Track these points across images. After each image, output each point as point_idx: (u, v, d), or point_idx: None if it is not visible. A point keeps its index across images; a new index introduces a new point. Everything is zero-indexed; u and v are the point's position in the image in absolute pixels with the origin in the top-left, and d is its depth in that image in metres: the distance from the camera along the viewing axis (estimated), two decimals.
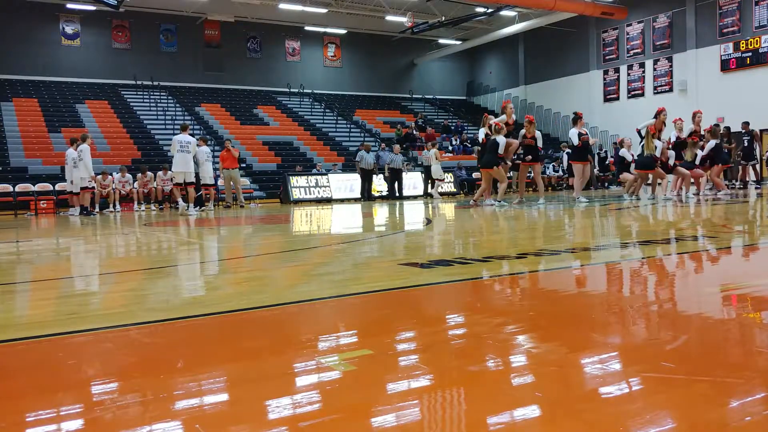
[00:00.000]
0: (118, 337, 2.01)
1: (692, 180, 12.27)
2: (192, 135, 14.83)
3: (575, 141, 11.09)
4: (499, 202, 11.08)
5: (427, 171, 19.12)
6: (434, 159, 18.35)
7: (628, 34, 27.22)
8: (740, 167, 16.83)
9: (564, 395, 1.31)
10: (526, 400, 1.29)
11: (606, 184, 23.46)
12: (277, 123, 25.78)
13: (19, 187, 16.52)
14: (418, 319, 2.19)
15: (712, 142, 12.55)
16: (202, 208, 14.44)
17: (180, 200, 13.76)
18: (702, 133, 12.70)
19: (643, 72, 26.53)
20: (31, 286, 3.47)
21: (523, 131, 11.46)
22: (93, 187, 14.35)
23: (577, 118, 11.13)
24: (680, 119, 12.43)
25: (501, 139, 10.88)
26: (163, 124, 22.72)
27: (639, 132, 11.35)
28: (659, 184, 11.39)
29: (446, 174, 20.97)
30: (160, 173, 17.02)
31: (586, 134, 11.35)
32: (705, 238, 4.60)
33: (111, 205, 16.21)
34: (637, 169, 11.49)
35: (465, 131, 27.50)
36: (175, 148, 13.22)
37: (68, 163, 13.79)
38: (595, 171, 24.44)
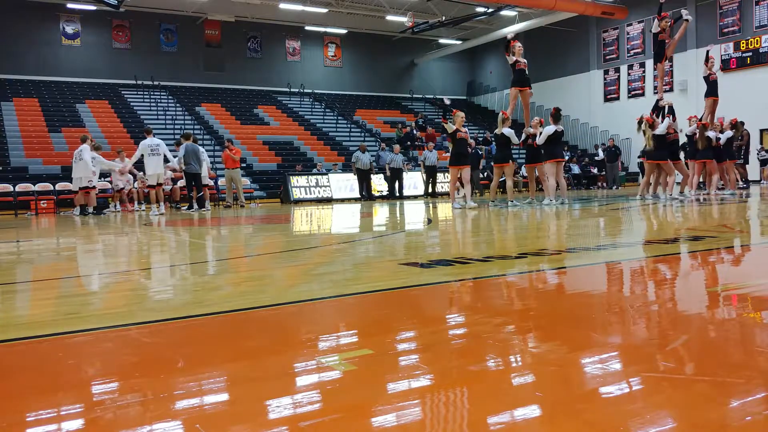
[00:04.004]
0: (118, 337, 2.01)
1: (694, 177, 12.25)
2: (188, 137, 14.70)
3: (541, 139, 10.65)
4: (467, 203, 10.58)
5: (428, 170, 19.11)
6: None
7: (628, 33, 27.21)
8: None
9: (564, 395, 1.31)
10: (527, 399, 1.29)
11: (602, 184, 23.52)
12: (278, 123, 25.78)
13: (20, 187, 16.52)
14: (418, 318, 2.19)
15: (729, 133, 12.65)
16: (193, 208, 14.35)
17: (154, 203, 13.61)
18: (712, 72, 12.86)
19: (644, 72, 26.52)
20: (31, 286, 3.47)
21: (531, 130, 11.18)
22: (94, 187, 14.35)
23: (558, 115, 10.83)
24: (695, 116, 12.68)
25: (508, 131, 10.66)
26: (164, 124, 22.73)
27: (639, 122, 11.07)
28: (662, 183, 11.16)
29: (446, 174, 20.97)
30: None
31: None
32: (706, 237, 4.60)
33: (112, 205, 16.21)
34: (649, 160, 11.06)
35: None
36: (145, 152, 13.21)
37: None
38: (594, 170, 24.52)
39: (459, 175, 10.81)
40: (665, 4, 11.96)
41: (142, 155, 13.45)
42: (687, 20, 12.28)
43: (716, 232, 5.11)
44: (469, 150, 11.43)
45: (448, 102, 11.43)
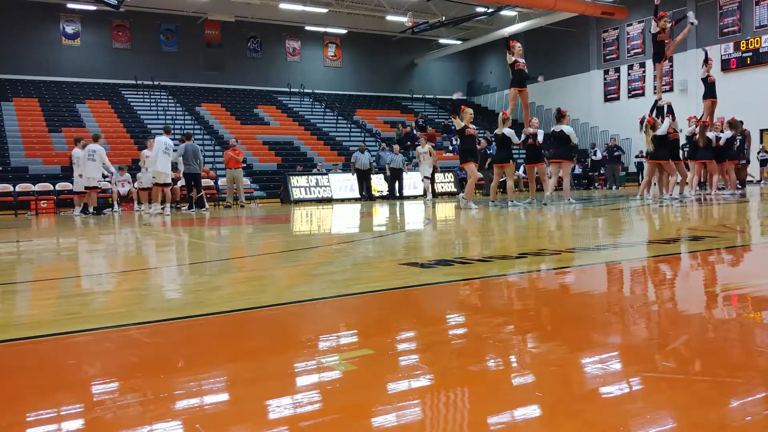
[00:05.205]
0: (118, 337, 2.01)
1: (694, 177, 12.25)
2: (189, 137, 14.70)
3: (575, 139, 10.76)
4: (466, 201, 10.39)
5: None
6: (425, 156, 17.33)
7: (628, 34, 27.23)
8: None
9: (564, 395, 1.31)
10: (527, 400, 1.29)
11: (598, 184, 23.54)
12: (278, 123, 25.79)
13: (20, 187, 16.53)
14: (418, 319, 2.19)
15: (729, 133, 12.61)
16: (193, 208, 14.31)
17: (155, 202, 13.64)
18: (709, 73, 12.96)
19: (644, 72, 26.53)
20: (32, 286, 3.47)
21: (530, 130, 11.17)
22: (98, 188, 14.36)
23: (560, 116, 10.82)
24: (695, 116, 12.72)
25: (508, 131, 10.63)
26: (164, 124, 22.74)
27: (641, 122, 11.12)
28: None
29: (447, 173, 20.96)
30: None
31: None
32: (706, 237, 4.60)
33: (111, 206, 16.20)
34: (650, 160, 11.03)
35: None
36: (159, 149, 13.31)
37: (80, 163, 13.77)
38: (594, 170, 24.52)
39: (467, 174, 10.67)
40: (660, 5, 11.92)
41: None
42: (692, 23, 12.21)
43: (716, 232, 5.11)
44: (477, 148, 11.41)
45: (456, 97, 11.49)
